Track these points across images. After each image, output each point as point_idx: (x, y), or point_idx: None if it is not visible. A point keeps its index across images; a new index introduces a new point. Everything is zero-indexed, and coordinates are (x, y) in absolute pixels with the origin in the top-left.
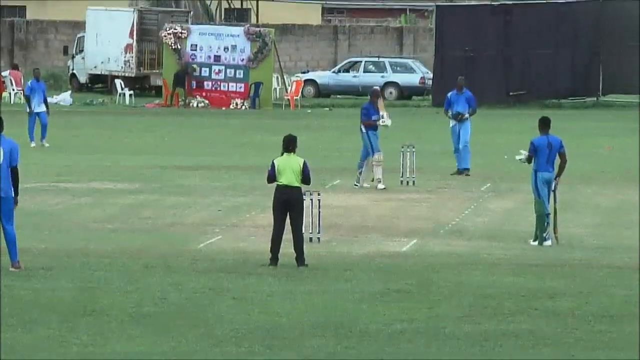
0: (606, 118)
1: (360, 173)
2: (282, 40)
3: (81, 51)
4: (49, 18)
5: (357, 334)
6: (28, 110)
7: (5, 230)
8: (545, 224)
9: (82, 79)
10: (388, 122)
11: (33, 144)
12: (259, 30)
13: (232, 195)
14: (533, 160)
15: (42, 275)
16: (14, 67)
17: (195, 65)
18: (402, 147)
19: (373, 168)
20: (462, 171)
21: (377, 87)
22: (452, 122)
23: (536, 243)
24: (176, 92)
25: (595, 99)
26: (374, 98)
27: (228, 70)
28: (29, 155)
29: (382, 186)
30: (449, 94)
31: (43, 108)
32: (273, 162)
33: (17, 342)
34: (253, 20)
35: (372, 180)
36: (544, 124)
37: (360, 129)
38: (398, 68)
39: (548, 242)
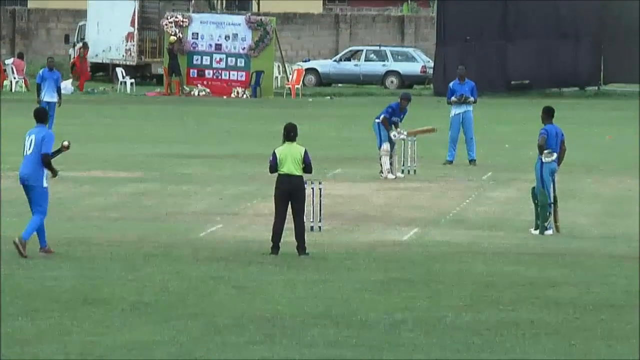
0: (607, 107)
1: (390, 164)
2: (284, 29)
3: (82, 39)
4: (50, 6)
5: (358, 323)
6: (37, 98)
7: (33, 215)
8: (547, 213)
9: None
10: (401, 136)
11: None
12: (260, 19)
13: (233, 184)
14: (539, 150)
15: (43, 264)
16: (19, 55)
17: (173, 38)
18: (402, 130)
19: (381, 158)
20: (451, 162)
21: (409, 93)
22: (453, 112)
23: (537, 232)
24: (174, 81)
25: (596, 88)
26: (403, 102)
27: (229, 59)
28: None
29: (392, 176)
30: (450, 84)
31: (54, 98)
32: (274, 152)
33: (18, 331)
34: (254, 8)
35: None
36: (548, 113)
37: (375, 121)
38: (399, 57)
39: (549, 232)
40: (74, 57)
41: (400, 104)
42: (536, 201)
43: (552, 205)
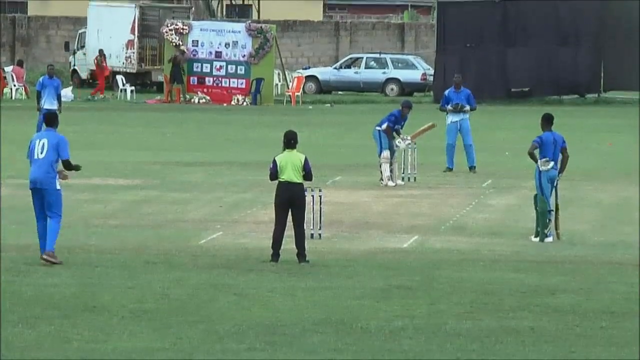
0: (607, 115)
1: (390, 171)
2: (284, 36)
3: (82, 47)
4: (50, 14)
5: (358, 331)
6: (37, 106)
7: (49, 219)
8: (547, 220)
9: (84, 74)
10: (405, 142)
11: None
12: (261, 26)
13: (233, 192)
14: (538, 157)
15: (43, 271)
16: (19, 63)
17: (183, 48)
18: (404, 137)
19: (381, 166)
20: (451, 169)
21: (410, 100)
22: (449, 120)
23: (537, 239)
24: (175, 88)
25: (596, 95)
26: (404, 109)
27: (229, 67)
28: None
29: (393, 183)
30: (446, 92)
31: (53, 106)
32: (275, 159)
33: (18, 338)
34: (254, 16)
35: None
36: (547, 120)
37: (375, 129)
38: (399, 64)
39: (549, 239)
40: (94, 66)
41: (402, 111)
42: (537, 208)
43: (552, 212)
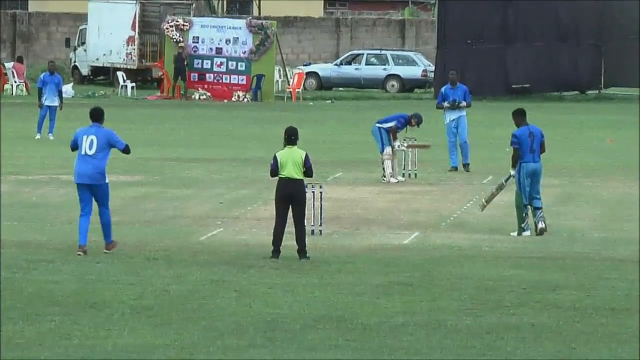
0: (608, 111)
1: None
2: (284, 33)
3: (83, 43)
4: (50, 10)
5: (359, 327)
6: (39, 102)
7: (100, 214)
8: (524, 214)
9: (84, 71)
10: (401, 148)
11: (38, 136)
12: (261, 23)
13: (233, 188)
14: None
15: (43, 267)
16: (19, 59)
17: (182, 45)
18: (405, 140)
19: (384, 162)
20: (456, 167)
21: (422, 116)
22: (447, 119)
23: (515, 234)
24: (177, 85)
25: (597, 91)
26: (413, 120)
27: (230, 63)
28: (32, 147)
29: (395, 180)
30: (442, 88)
31: (55, 102)
32: (275, 156)
33: (19, 335)
34: (255, 12)
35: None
36: (521, 114)
37: (375, 126)
38: (400, 61)
39: (527, 233)
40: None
41: (410, 121)
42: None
43: (528, 207)
